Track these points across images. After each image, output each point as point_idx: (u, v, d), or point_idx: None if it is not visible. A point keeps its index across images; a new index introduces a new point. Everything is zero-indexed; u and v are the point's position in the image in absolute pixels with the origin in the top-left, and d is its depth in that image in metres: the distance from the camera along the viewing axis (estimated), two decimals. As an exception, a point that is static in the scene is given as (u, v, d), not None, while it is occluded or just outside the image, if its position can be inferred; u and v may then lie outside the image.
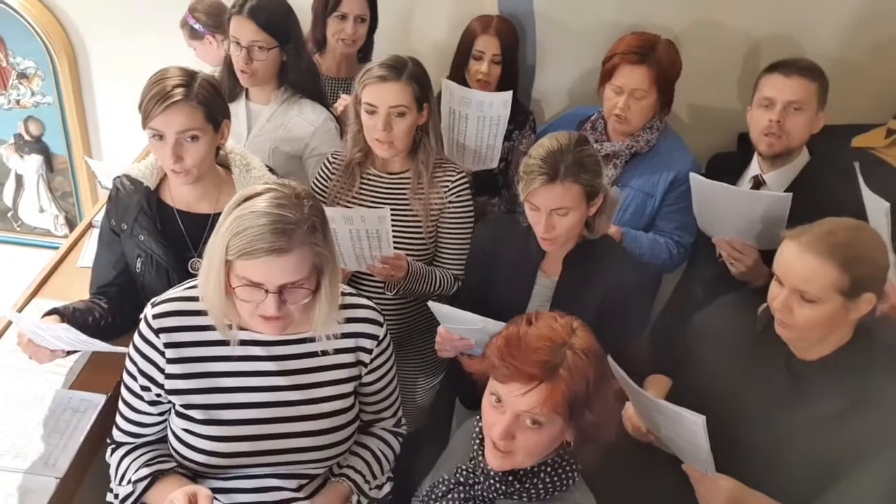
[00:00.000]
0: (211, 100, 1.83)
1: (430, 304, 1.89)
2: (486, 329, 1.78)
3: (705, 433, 1.51)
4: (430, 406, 2.63)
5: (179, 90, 1.78)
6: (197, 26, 2.89)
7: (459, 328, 1.89)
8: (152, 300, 1.60)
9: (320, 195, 2.30)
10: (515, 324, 1.38)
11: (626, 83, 2.30)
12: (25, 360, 1.93)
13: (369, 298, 2.25)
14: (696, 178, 2.09)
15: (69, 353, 1.89)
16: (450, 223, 2.24)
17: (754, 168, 2.25)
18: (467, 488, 1.45)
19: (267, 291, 1.43)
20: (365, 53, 2.79)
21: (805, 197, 1.97)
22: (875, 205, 1.80)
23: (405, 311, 2.34)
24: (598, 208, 1.92)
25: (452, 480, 1.47)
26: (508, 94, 2.39)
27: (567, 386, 1.28)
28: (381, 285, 2.23)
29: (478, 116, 2.41)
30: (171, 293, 1.61)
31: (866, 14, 2.56)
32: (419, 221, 2.23)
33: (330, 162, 2.30)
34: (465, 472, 1.46)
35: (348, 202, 2.26)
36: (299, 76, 2.39)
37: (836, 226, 1.57)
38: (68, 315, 1.87)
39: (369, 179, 2.27)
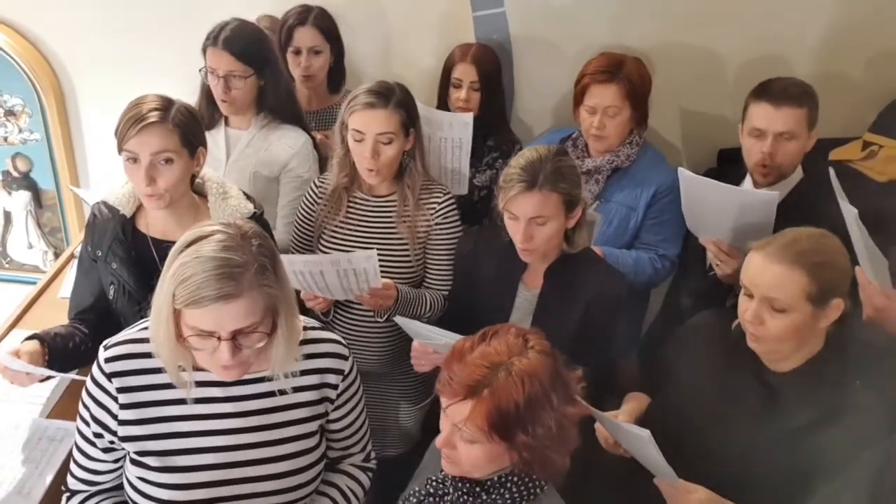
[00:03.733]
0: (187, 124, 1.84)
1: (397, 318, 1.89)
2: (449, 345, 1.77)
3: (655, 447, 1.52)
4: (417, 429, 2.60)
5: (155, 113, 1.79)
6: None
7: (431, 343, 1.88)
8: (104, 342, 1.53)
9: (307, 220, 2.31)
10: (473, 337, 1.40)
11: (598, 102, 2.33)
12: (2, 390, 1.93)
13: (360, 321, 2.29)
14: (684, 174, 2.08)
15: (47, 377, 1.87)
16: (437, 245, 2.24)
17: (748, 184, 2.26)
18: (436, 499, 1.45)
19: (220, 339, 1.36)
20: (336, 84, 2.80)
21: (798, 212, 1.95)
22: (847, 212, 1.81)
23: (395, 335, 2.32)
24: (577, 221, 1.93)
25: (422, 492, 1.47)
26: (469, 116, 2.40)
27: (489, 406, 1.29)
28: (371, 311, 2.23)
29: (440, 137, 2.42)
30: (123, 335, 1.54)
31: (840, 31, 2.59)
32: (406, 244, 2.24)
33: (316, 186, 2.30)
34: (434, 484, 1.46)
35: (335, 226, 2.26)
36: (277, 100, 2.41)
37: (799, 234, 1.59)
38: (49, 340, 1.86)
39: (356, 203, 2.27)
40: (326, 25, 2.66)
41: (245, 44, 2.30)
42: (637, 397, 1.91)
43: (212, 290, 1.31)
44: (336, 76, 2.78)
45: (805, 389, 1.60)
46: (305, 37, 2.63)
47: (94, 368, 1.51)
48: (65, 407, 1.98)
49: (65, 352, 1.87)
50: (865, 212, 1.90)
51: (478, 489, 1.41)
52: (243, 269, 1.33)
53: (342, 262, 1.98)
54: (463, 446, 1.35)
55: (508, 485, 1.39)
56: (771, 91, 2.13)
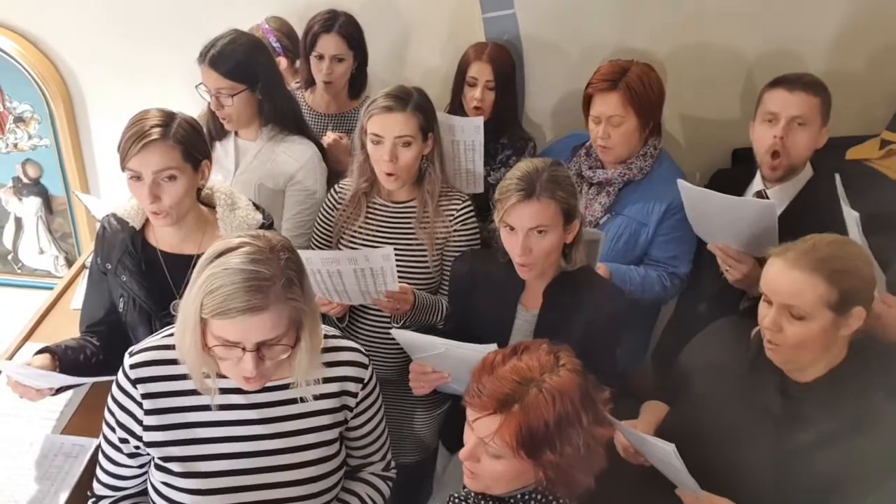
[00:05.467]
0: (189, 139, 1.82)
1: (394, 332, 1.87)
2: (450, 352, 1.76)
3: (679, 459, 1.51)
4: (432, 437, 2.60)
5: (156, 130, 1.77)
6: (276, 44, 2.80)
7: (429, 357, 1.86)
8: (130, 349, 1.56)
9: (326, 226, 2.32)
10: (503, 350, 1.39)
11: (601, 111, 2.29)
12: (17, 406, 1.93)
13: (376, 328, 2.30)
14: (684, 185, 2.07)
15: (59, 390, 1.88)
16: (456, 251, 2.23)
17: (757, 183, 2.23)
18: None
19: (244, 350, 1.39)
20: (357, 89, 2.78)
21: (808, 212, 1.96)
22: (848, 215, 1.80)
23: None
24: (574, 235, 1.90)
25: None
26: (479, 120, 2.39)
27: (519, 422, 1.28)
28: (387, 317, 2.22)
29: (451, 140, 2.41)
30: (148, 341, 1.57)
31: (855, 27, 2.56)
32: (424, 250, 2.23)
33: (336, 192, 2.31)
34: (456, 501, 1.45)
35: (354, 232, 2.27)
36: (275, 113, 2.37)
37: (819, 241, 1.56)
38: (60, 353, 1.86)
39: (375, 209, 2.28)
40: (351, 33, 2.64)
41: (233, 61, 2.25)
42: (655, 406, 1.89)
43: (239, 303, 1.33)
44: (357, 82, 2.76)
45: (828, 400, 1.57)
46: (329, 45, 2.62)
47: (120, 374, 1.54)
48: (79, 422, 1.98)
49: (76, 364, 1.87)
50: (883, 211, 1.88)
51: None
52: (271, 282, 1.35)
53: (359, 259, 1.97)
54: (487, 461, 1.34)
55: (532, 503, 1.38)
56: (786, 79, 2.13)
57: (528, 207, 1.81)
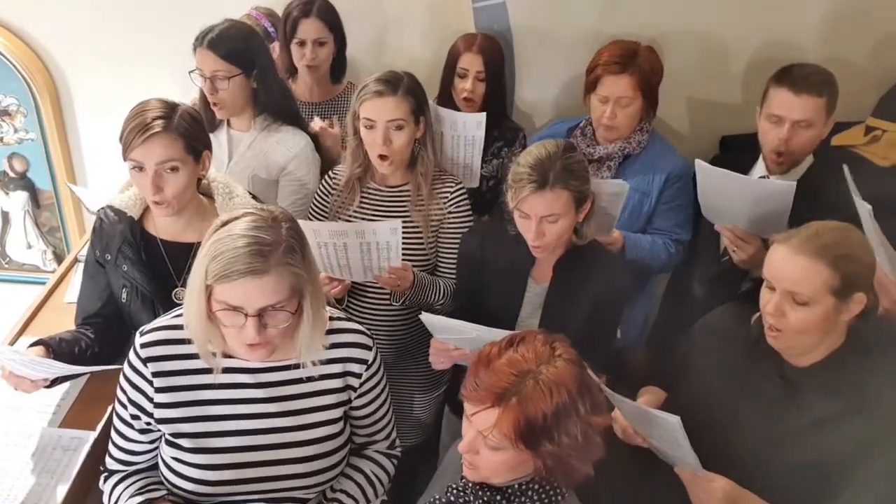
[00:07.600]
0: (191, 131, 1.84)
1: (423, 315, 1.89)
2: (480, 337, 1.78)
3: (683, 433, 1.52)
4: (432, 419, 2.62)
5: (159, 122, 1.79)
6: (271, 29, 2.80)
7: (453, 338, 1.88)
8: (140, 329, 1.60)
9: (321, 211, 2.34)
10: (500, 342, 1.39)
11: (611, 93, 2.31)
12: (15, 399, 1.92)
13: (374, 309, 2.33)
14: (701, 166, 2.09)
15: (53, 382, 1.87)
16: (450, 233, 2.27)
17: (760, 168, 2.26)
18: None
19: (247, 315, 1.42)
20: (338, 75, 2.78)
21: (809, 196, 1.97)
22: (860, 207, 1.81)
23: (409, 323, 2.36)
24: (586, 214, 1.93)
25: (443, 500, 1.46)
26: (482, 116, 2.39)
27: (516, 415, 1.29)
28: (387, 295, 2.25)
29: (452, 135, 2.42)
30: (158, 321, 1.61)
31: (842, 15, 2.58)
32: (420, 233, 2.26)
33: (330, 177, 2.34)
34: (454, 492, 1.45)
35: (349, 217, 2.29)
36: (271, 101, 2.38)
37: (822, 227, 1.58)
38: (54, 345, 1.87)
39: (369, 193, 2.30)
40: (330, 16, 2.64)
41: (231, 44, 2.26)
42: (653, 391, 1.91)
43: (241, 266, 1.37)
44: (338, 66, 2.76)
45: (826, 383, 1.60)
46: (310, 29, 2.61)
47: (131, 353, 1.58)
48: (77, 415, 1.98)
49: (70, 356, 1.87)
50: (868, 197, 1.90)
51: (499, 497, 1.41)
52: (272, 247, 1.40)
53: (367, 232, 2.01)
54: (486, 453, 1.35)
55: (529, 493, 1.39)
56: (792, 78, 2.12)
57: (540, 197, 1.83)
